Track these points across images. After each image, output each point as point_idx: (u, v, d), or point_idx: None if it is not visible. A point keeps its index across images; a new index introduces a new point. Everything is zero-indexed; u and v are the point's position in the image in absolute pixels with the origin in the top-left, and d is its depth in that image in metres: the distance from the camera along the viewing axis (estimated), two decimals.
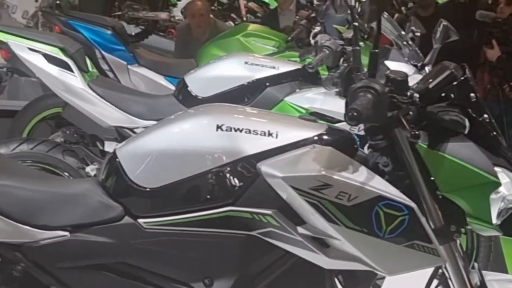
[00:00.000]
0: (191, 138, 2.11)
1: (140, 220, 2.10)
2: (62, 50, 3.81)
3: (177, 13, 10.82)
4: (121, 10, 9.84)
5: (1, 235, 2.11)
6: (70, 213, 2.13)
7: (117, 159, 2.15)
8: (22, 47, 3.78)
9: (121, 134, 3.80)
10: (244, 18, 9.91)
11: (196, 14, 6.22)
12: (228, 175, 2.06)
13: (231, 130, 2.08)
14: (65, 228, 2.12)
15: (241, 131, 2.08)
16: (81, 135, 4.26)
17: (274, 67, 3.78)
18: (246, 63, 3.80)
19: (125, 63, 5.06)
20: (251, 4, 11.18)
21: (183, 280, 2.11)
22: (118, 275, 2.13)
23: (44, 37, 3.88)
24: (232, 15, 10.22)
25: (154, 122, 3.74)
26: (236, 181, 2.06)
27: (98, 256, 2.13)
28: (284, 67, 3.80)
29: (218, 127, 2.08)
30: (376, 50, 2.09)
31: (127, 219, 2.12)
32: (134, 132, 3.76)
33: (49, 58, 3.78)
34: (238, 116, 2.16)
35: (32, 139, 3.84)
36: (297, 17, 5.67)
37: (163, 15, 10.39)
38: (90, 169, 3.73)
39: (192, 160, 2.09)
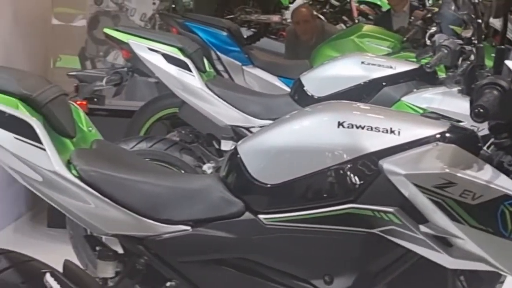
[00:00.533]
0: (312, 135, 2.11)
1: (261, 216, 2.11)
2: (181, 50, 3.87)
3: (289, 15, 10.88)
4: (233, 13, 9.94)
5: (126, 228, 2.15)
6: (192, 208, 2.15)
7: (238, 156, 2.16)
8: (142, 47, 3.85)
9: (237, 133, 3.83)
10: (356, 20, 9.86)
11: (300, 21, 6.31)
12: (349, 172, 2.05)
13: (352, 127, 2.07)
14: (187, 222, 2.15)
15: (362, 128, 2.07)
16: (196, 134, 4.32)
17: (391, 67, 3.75)
18: (362, 62, 3.79)
19: (240, 64, 5.10)
20: (362, 7, 11.13)
21: (303, 276, 2.11)
22: (238, 270, 2.14)
23: (163, 38, 3.95)
24: (344, 17, 10.18)
25: (270, 122, 3.76)
26: (357, 178, 2.05)
27: (219, 251, 2.15)
28: (401, 67, 3.77)
29: (340, 124, 2.08)
30: (503, 47, 2.05)
31: (247, 215, 2.13)
32: (250, 131, 3.78)
33: (168, 58, 3.85)
34: (359, 113, 2.15)
35: (151, 137, 3.92)
36: (412, 18, 5.62)
37: (275, 18, 10.44)
38: (207, 167, 3.77)
39: (313, 157, 2.08)
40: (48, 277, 2.17)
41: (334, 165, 2.06)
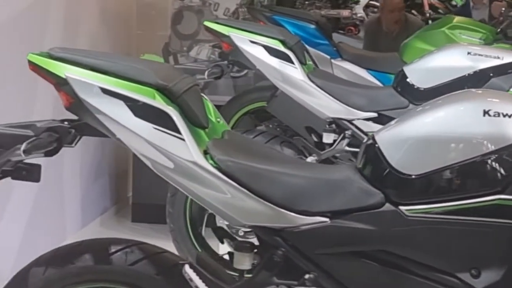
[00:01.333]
0: (457, 124, 2.06)
1: (402, 208, 2.07)
2: (283, 42, 3.84)
3: (359, 10, 10.81)
4: (304, 7, 9.91)
5: (263, 219, 2.13)
6: (330, 199, 2.12)
7: (376, 146, 2.12)
8: (243, 40, 3.83)
9: (339, 126, 3.79)
10: (427, 14, 9.77)
11: (395, 9, 6.22)
12: (495, 162, 2.00)
13: (499, 115, 2.02)
14: (325, 214, 2.11)
15: (510, 116, 2.01)
16: (284, 129, 4.29)
17: (498, 57, 3.68)
18: (468, 53, 3.72)
19: (328, 57, 5.06)
20: (433, 1, 11.02)
21: (447, 270, 2.06)
22: (377, 263, 2.10)
23: (264, 30, 3.93)
24: (413, 11, 10.09)
25: (373, 114, 3.73)
26: (505, 168, 1.99)
27: (358, 243, 2.11)
28: (509, 57, 3.69)
29: (485, 112, 2.03)
30: None
31: (388, 206, 2.09)
32: (353, 124, 3.75)
33: (270, 50, 3.82)
34: (504, 101, 2.09)
35: (251, 130, 3.91)
36: (503, 9, 5.54)
37: (345, 12, 10.41)
38: (310, 161, 3.74)
39: (458, 146, 2.04)
40: (187, 269, 2.16)
41: (480, 155, 2.01)
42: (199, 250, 3.87)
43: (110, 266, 2.25)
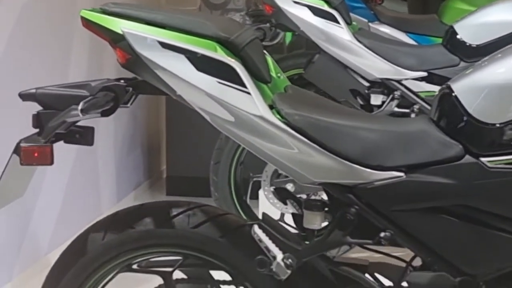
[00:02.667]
0: None
1: (483, 159, 1.95)
2: (327, 2, 3.73)
3: None
4: None
5: (334, 176, 2.02)
6: (405, 152, 2.00)
7: (453, 94, 2.00)
8: (286, 1, 3.72)
9: (388, 87, 3.67)
10: None
11: None
12: None
13: None
14: (400, 168, 2.00)
15: None
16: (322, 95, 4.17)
17: None
18: None
19: (366, 20, 4.93)
20: None
21: None
22: (457, 218, 1.99)
23: None
24: None
25: (423, 74, 3.61)
26: None
27: (435, 198, 2.00)
28: None
29: None
30: None
31: (467, 158, 1.97)
32: (402, 84, 3.63)
33: (314, 10, 3.71)
34: None
35: None
36: None
37: None
38: None
39: None
40: (257, 229, 2.06)
41: None
42: (245, 218, 3.78)
43: (172, 229, 2.16)
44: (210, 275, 2.29)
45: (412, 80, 3.62)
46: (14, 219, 4.02)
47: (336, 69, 3.85)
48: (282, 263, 2.02)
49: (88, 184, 4.95)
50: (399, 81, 3.64)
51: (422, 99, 3.63)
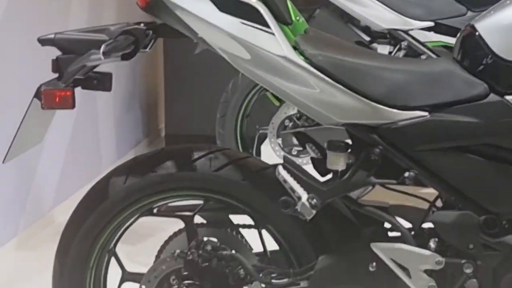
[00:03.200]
0: None
1: (508, 97, 1.96)
2: None
3: None
4: None
5: (357, 116, 2.02)
6: (429, 92, 2.00)
7: (477, 33, 2.00)
8: None
9: (394, 37, 3.66)
10: None
11: None
12: None
13: None
14: (424, 108, 2.00)
15: None
16: None
17: None
18: None
19: None
20: None
21: None
22: (482, 157, 2.00)
23: None
24: None
25: (430, 24, 3.59)
26: None
27: (460, 137, 2.00)
28: None
29: None
30: None
31: (492, 97, 1.97)
32: (409, 35, 3.61)
33: None
34: None
35: None
36: None
37: None
38: None
39: None
40: (281, 170, 2.06)
41: None
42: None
43: (194, 172, 2.15)
44: (230, 220, 2.30)
45: (419, 30, 3.59)
46: (18, 176, 4.02)
47: (337, 24, 3.83)
48: (307, 203, 2.02)
49: (88, 142, 4.95)
50: (406, 31, 3.62)
51: (429, 49, 3.61)
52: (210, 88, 5.15)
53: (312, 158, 2.21)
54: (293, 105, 2.07)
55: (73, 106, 2.08)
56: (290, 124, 3.86)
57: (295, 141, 3.63)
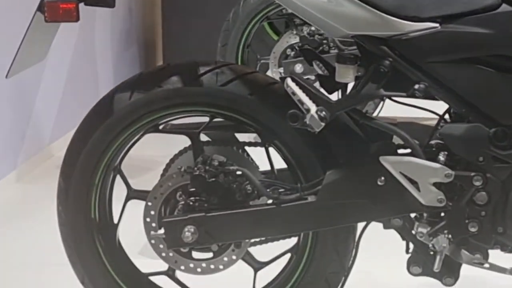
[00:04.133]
0: None
1: None
2: None
3: None
4: None
5: (367, 27, 1.98)
6: (440, 3, 1.97)
7: None
8: None
9: None
10: None
11: None
12: None
13: None
14: (435, 19, 1.97)
15: None
16: None
17: None
18: None
19: None
20: None
21: None
22: (492, 68, 1.97)
23: None
24: None
25: None
26: None
27: (471, 48, 1.97)
28: None
29: None
30: None
31: (504, 7, 1.94)
32: None
33: None
34: None
35: None
36: None
37: None
38: None
39: None
40: (290, 82, 2.03)
41: None
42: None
43: (201, 87, 2.12)
44: (236, 138, 2.27)
45: None
46: (18, 109, 4.00)
47: None
48: (316, 116, 1.99)
49: (86, 78, 4.93)
50: None
51: None
52: (207, 24, 5.10)
53: (318, 75, 2.18)
54: (300, 16, 2.03)
55: (77, 19, 2.04)
56: (292, 53, 3.82)
57: (296, 69, 3.59)
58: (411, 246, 2.13)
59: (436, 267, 2.02)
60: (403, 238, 2.15)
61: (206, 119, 2.18)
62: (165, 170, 2.29)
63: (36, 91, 4.19)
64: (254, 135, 2.18)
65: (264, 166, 2.24)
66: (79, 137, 2.19)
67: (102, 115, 2.16)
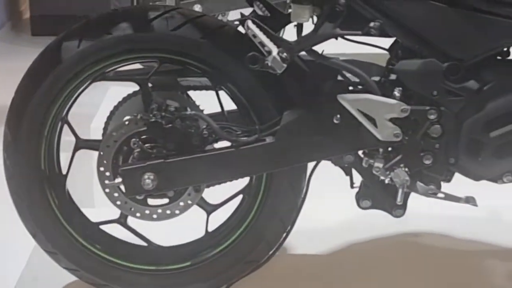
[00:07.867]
0: None
1: None
2: None
3: None
4: None
5: None
6: None
7: None
8: None
9: None
10: None
11: None
12: None
13: None
14: None
15: None
16: None
17: None
18: None
19: None
20: None
21: None
22: (445, 3, 2.01)
23: None
24: None
25: None
26: None
27: None
28: None
29: None
30: None
31: None
32: None
33: None
34: None
35: None
36: None
37: None
38: None
39: None
40: (251, 24, 2.02)
41: None
42: None
43: (151, 33, 2.08)
44: (178, 82, 2.25)
45: None
46: None
47: None
48: (278, 57, 2.00)
49: None
50: None
51: None
52: None
53: (257, 16, 2.16)
54: None
55: None
56: None
57: (196, 9, 3.54)
58: (355, 181, 2.19)
59: (399, 200, 2.10)
60: (347, 174, 2.21)
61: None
62: (109, 118, 2.25)
63: None
64: None
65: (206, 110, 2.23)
66: (25, 88, 2.11)
67: (50, 64, 2.09)
